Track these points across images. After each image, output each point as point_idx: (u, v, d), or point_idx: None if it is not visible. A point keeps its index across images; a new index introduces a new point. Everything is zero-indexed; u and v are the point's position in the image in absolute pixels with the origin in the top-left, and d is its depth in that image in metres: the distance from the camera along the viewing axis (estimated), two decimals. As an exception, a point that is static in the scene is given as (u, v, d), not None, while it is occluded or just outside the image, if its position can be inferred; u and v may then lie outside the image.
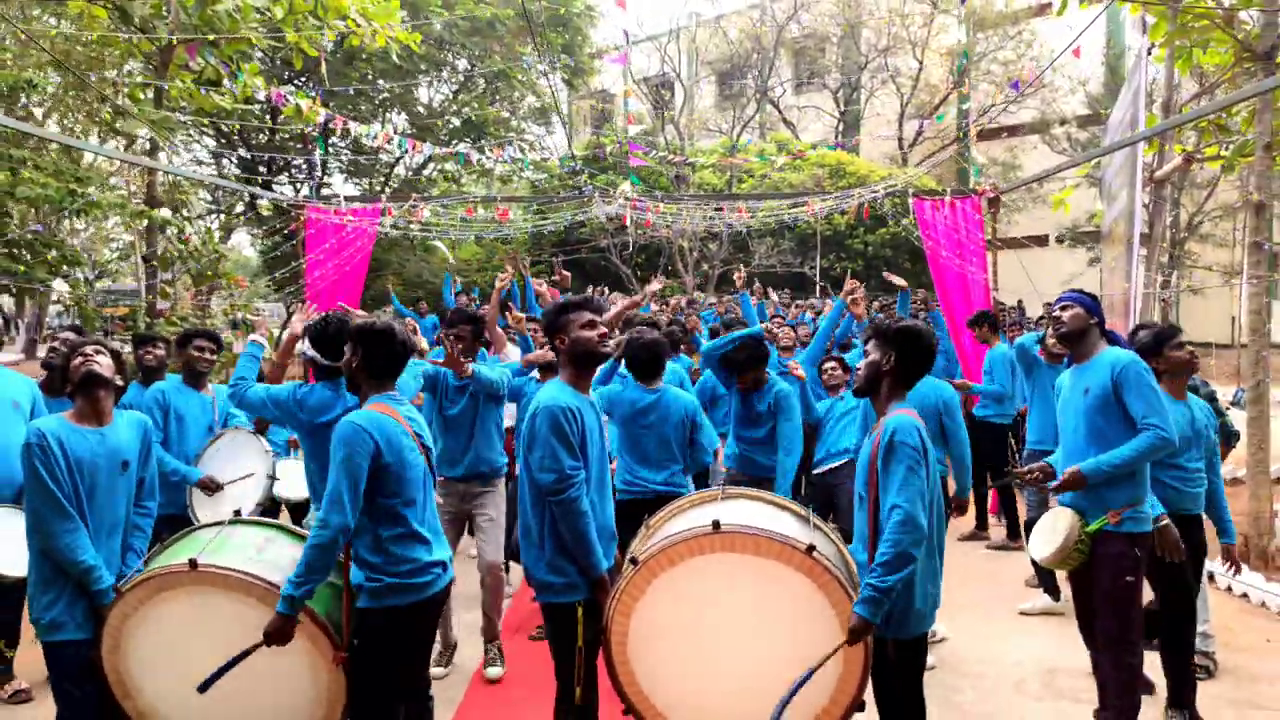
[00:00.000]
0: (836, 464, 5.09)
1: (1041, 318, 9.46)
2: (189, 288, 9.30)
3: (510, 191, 19.42)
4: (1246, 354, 6.19)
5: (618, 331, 5.36)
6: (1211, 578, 5.52)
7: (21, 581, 3.24)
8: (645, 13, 32.32)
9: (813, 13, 22.19)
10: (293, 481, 4.92)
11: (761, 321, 6.56)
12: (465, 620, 4.80)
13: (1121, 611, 3.28)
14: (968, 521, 6.93)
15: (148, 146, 8.48)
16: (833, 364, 5.48)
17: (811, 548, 2.65)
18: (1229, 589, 5.63)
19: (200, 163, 18.14)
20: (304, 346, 3.62)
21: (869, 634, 2.61)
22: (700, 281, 16.37)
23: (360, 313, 4.79)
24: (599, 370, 4.29)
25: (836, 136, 22.13)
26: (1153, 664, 3.98)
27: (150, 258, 8.18)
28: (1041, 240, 19.64)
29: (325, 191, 16.75)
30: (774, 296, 10.98)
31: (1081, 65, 17.35)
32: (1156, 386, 3.33)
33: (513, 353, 5.62)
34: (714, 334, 6.92)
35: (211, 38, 7.68)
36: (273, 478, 4.69)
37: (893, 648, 2.77)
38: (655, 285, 6.11)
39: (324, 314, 3.72)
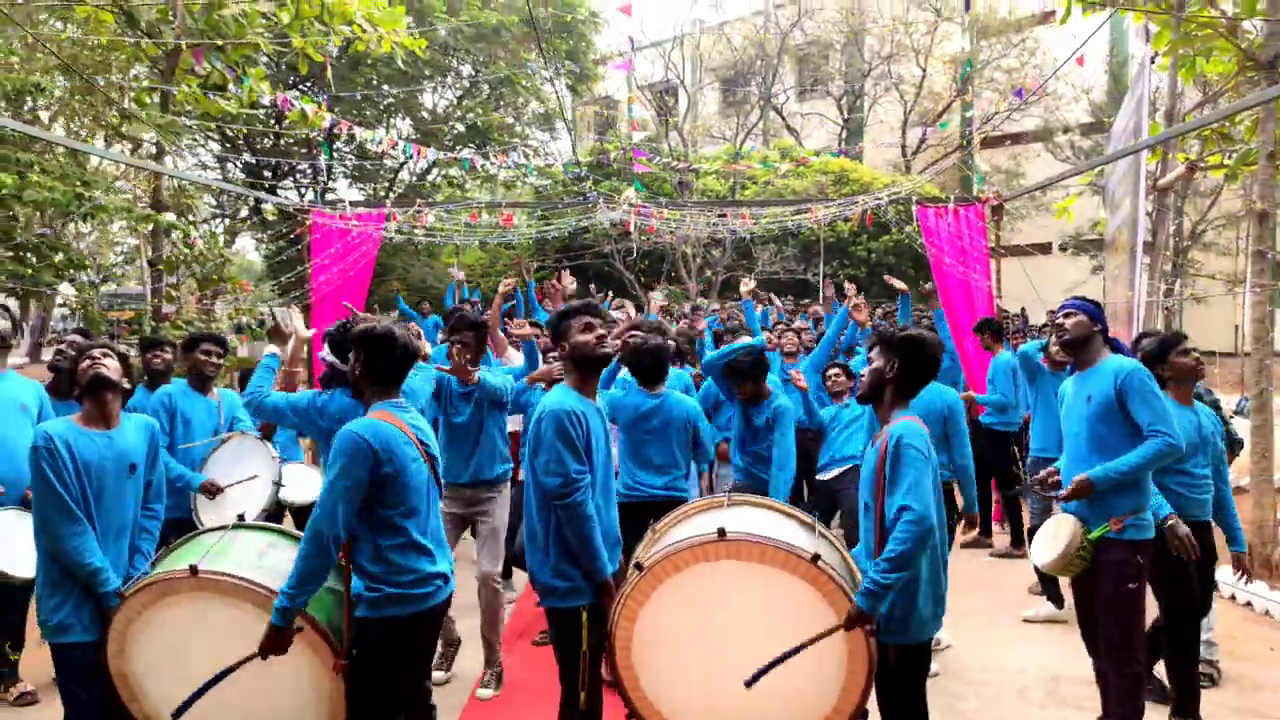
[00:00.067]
0: (841, 469, 5.10)
1: (1044, 325, 9.46)
2: (194, 292, 9.31)
3: (514, 197, 19.44)
4: (1250, 362, 6.19)
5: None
6: (1216, 586, 5.51)
7: (29, 583, 3.26)
8: (649, 19, 32.46)
9: (816, 20, 22.19)
10: (298, 486, 4.96)
11: (764, 328, 6.57)
12: (468, 625, 4.79)
13: (1124, 619, 3.29)
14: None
15: (154, 151, 8.51)
16: (836, 370, 5.49)
17: (816, 556, 2.65)
18: (1233, 597, 5.63)
19: (206, 167, 18.19)
20: (324, 353, 3.62)
21: (864, 624, 2.61)
22: (704, 288, 16.35)
23: (366, 315, 4.80)
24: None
25: (840, 143, 22.12)
26: (1160, 674, 3.99)
27: (155, 262, 8.20)
28: (1045, 248, 19.63)
29: (330, 196, 16.84)
30: (777, 303, 11.01)
31: (1085, 73, 17.36)
32: (1160, 393, 3.34)
33: (514, 356, 5.65)
34: (717, 338, 6.91)
35: (218, 43, 7.72)
36: (278, 483, 4.70)
37: (894, 654, 2.78)
38: (660, 300, 6.11)
39: (343, 319, 3.72)
